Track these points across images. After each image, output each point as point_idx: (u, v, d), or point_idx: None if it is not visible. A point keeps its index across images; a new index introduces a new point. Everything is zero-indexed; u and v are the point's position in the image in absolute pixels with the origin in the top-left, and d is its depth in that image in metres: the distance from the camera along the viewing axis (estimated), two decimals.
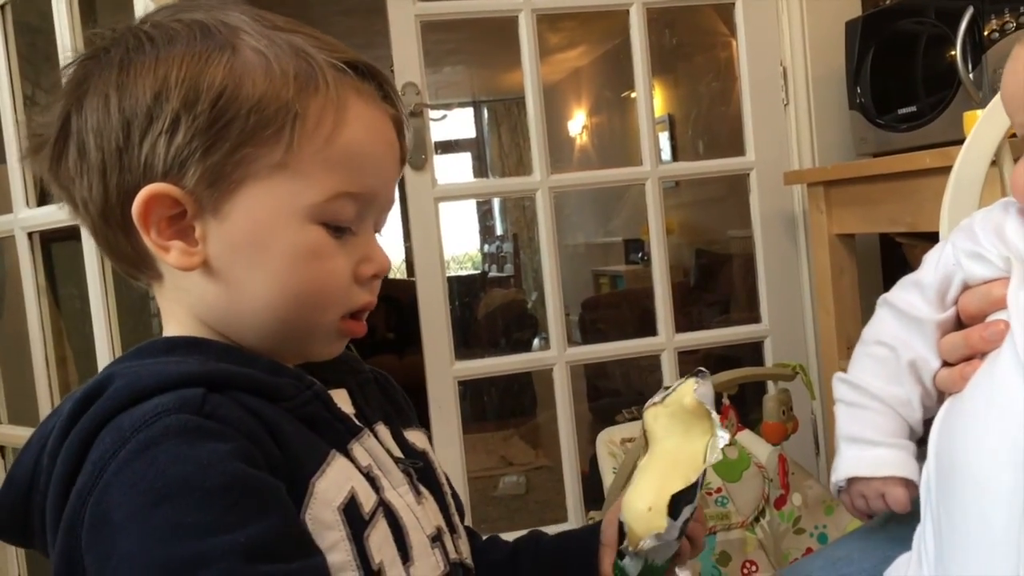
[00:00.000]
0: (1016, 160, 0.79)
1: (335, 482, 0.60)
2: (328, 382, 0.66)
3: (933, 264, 0.82)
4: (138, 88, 0.60)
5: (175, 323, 0.66)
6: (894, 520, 0.85)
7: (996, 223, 0.78)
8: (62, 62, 1.66)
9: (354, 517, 0.60)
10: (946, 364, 0.79)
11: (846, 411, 0.84)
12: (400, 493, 0.66)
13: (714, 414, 0.71)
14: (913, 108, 1.75)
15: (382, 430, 0.69)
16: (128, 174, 0.60)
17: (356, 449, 0.64)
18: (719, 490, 1.60)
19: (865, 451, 0.81)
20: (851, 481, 0.82)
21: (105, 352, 1.75)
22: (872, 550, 0.86)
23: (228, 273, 0.62)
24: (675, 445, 0.73)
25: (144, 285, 0.68)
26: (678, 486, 0.69)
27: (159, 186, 0.59)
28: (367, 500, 0.62)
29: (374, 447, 0.66)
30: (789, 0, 2.07)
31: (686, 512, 0.70)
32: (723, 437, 0.70)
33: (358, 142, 0.63)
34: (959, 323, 0.80)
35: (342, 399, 0.68)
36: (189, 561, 0.50)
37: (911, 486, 0.79)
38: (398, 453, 0.69)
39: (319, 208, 0.62)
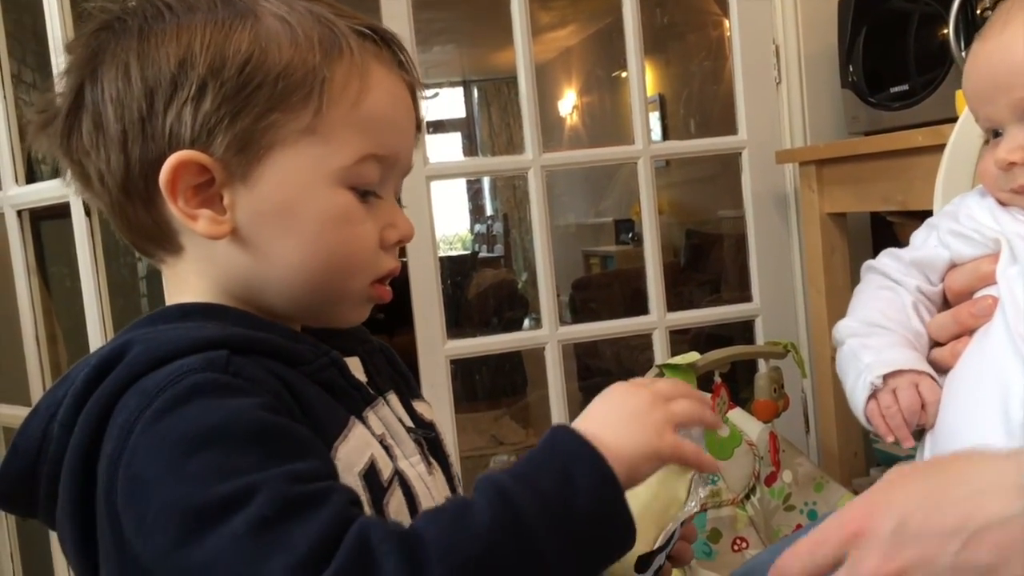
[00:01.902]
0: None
1: (356, 448, 0.60)
2: (341, 350, 0.66)
3: (920, 242, 0.84)
4: (160, 56, 0.60)
5: (190, 294, 0.65)
6: None
7: (977, 206, 0.80)
8: (50, 40, 1.65)
9: (374, 484, 0.60)
10: (936, 344, 0.80)
11: (861, 340, 0.82)
12: (412, 463, 0.66)
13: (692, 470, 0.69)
14: (905, 87, 1.75)
15: (393, 399, 0.70)
16: (152, 143, 0.60)
17: (371, 417, 0.65)
18: None
19: (893, 352, 0.79)
20: (887, 377, 0.79)
21: (96, 331, 1.74)
22: None
23: (257, 240, 0.62)
24: (650, 494, 0.71)
25: (157, 262, 0.67)
26: (652, 535, 0.69)
27: (187, 153, 0.59)
28: (385, 468, 0.62)
29: (387, 416, 0.67)
30: None
31: (657, 562, 0.69)
32: (702, 493, 0.69)
33: (382, 106, 0.64)
34: (946, 305, 0.81)
35: (355, 367, 0.68)
36: (238, 493, 0.49)
37: (938, 390, 0.77)
38: (409, 423, 0.70)
39: (347, 172, 0.62)
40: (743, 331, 2.21)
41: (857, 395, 0.80)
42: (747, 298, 2.15)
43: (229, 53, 0.59)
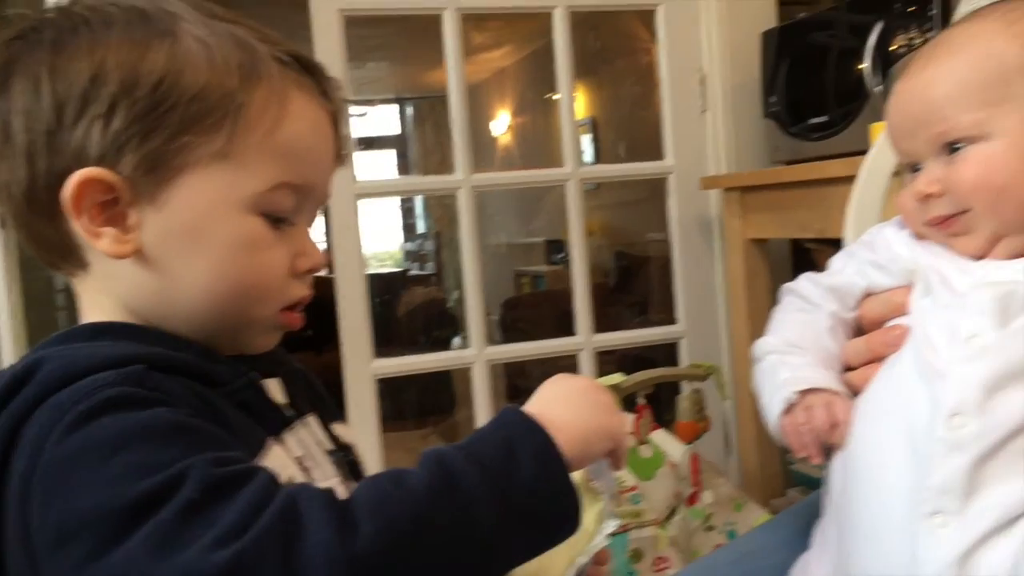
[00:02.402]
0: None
1: (273, 470, 0.58)
2: (260, 372, 0.66)
3: (837, 268, 0.86)
4: (72, 70, 0.58)
5: (98, 311, 0.64)
6: (802, 516, 0.88)
7: (894, 237, 0.82)
8: None
9: None
10: (848, 369, 0.82)
11: (779, 357, 0.83)
12: (331, 485, 0.65)
13: (606, 497, 0.69)
14: (824, 118, 1.81)
15: (313, 421, 0.69)
16: (59, 157, 0.59)
17: (289, 439, 0.64)
18: (633, 488, 1.62)
19: (810, 372, 0.80)
20: (802, 394, 0.80)
21: (9, 346, 1.69)
22: (780, 544, 0.89)
23: (163, 262, 0.61)
24: None
25: (65, 276, 0.66)
26: (561, 569, 0.69)
27: (93, 171, 0.58)
28: None
29: (306, 438, 0.66)
30: (708, 8, 2.11)
31: None
32: (611, 524, 0.69)
33: (299, 135, 0.63)
34: (860, 332, 0.83)
35: (275, 389, 0.67)
36: (163, 485, 0.48)
37: (851, 410, 0.78)
38: (329, 445, 0.69)
39: (259, 198, 0.61)
40: (668, 353, 2.24)
41: (772, 409, 0.82)
42: (672, 320, 2.19)
43: (143, 72, 0.58)
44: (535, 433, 0.56)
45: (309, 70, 0.65)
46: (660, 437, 1.67)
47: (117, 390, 0.53)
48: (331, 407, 0.76)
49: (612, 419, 0.61)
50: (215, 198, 0.60)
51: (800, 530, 0.87)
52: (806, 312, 0.85)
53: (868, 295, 0.83)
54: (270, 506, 0.48)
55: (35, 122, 0.59)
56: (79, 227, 0.59)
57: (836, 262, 0.88)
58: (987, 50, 0.74)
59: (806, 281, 0.87)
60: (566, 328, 2.14)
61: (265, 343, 0.67)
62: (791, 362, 0.82)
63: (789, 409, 0.79)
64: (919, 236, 0.80)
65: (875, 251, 0.84)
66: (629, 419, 1.59)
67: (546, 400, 0.62)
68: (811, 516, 0.84)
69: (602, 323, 2.13)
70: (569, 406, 0.60)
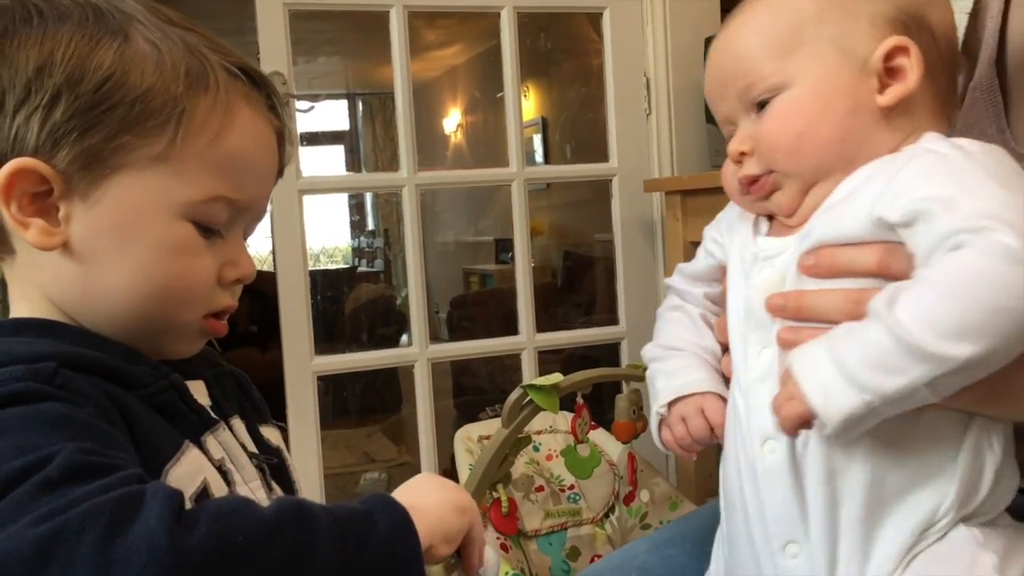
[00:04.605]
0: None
1: (188, 472, 0.59)
2: (185, 373, 0.66)
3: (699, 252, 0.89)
4: (19, 59, 0.58)
5: (25, 304, 0.63)
6: (714, 517, 0.90)
7: (726, 214, 0.85)
8: None
9: None
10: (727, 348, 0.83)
11: (659, 363, 0.86)
12: (252, 488, 0.66)
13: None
14: None
15: (237, 424, 0.69)
16: None
17: (210, 442, 0.64)
18: (571, 487, 1.64)
19: (681, 378, 0.83)
20: (671, 405, 0.83)
21: None
22: (693, 534, 0.91)
23: (89, 257, 0.61)
24: None
25: None
26: None
27: (27, 160, 0.58)
28: (219, 492, 0.62)
29: (228, 440, 0.66)
30: (654, 13, 2.14)
31: None
32: None
33: (242, 148, 0.63)
34: None
35: (199, 391, 0.67)
36: (31, 463, 0.48)
37: (725, 405, 0.80)
38: (253, 448, 0.69)
39: (193, 207, 0.62)
40: (611, 353, 2.27)
41: (652, 423, 0.84)
42: (615, 321, 2.21)
43: (90, 68, 0.58)
44: (394, 509, 0.58)
45: (259, 84, 0.66)
46: (599, 436, 1.69)
47: (23, 385, 0.53)
48: (262, 410, 0.76)
49: (463, 495, 0.65)
50: (148, 201, 0.60)
51: (710, 525, 0.88)
52: (677, 309, 0.88)
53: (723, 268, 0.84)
54: (113, 492, 0.48)
55: None
56: (7, 215, 0.59)
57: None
58: (784, 4, 0.75)
59: (676, 272, 0.90)
60: (511, 327, 2.15)
61: (187, 349, 0.67)
62: (667, 368, 0.84)
63: (664, 421, 0.82)
64: (741, 207, 0.81)
65: (718, 226, 0.86)
66: (567, 418, 1.61)
67: (411, 491, 0.65)
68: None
69: (549, 322, 2.15)
70: (426, 492, 0.64)
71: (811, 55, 0.72)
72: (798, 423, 0.64)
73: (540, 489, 1.61)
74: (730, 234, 0.82)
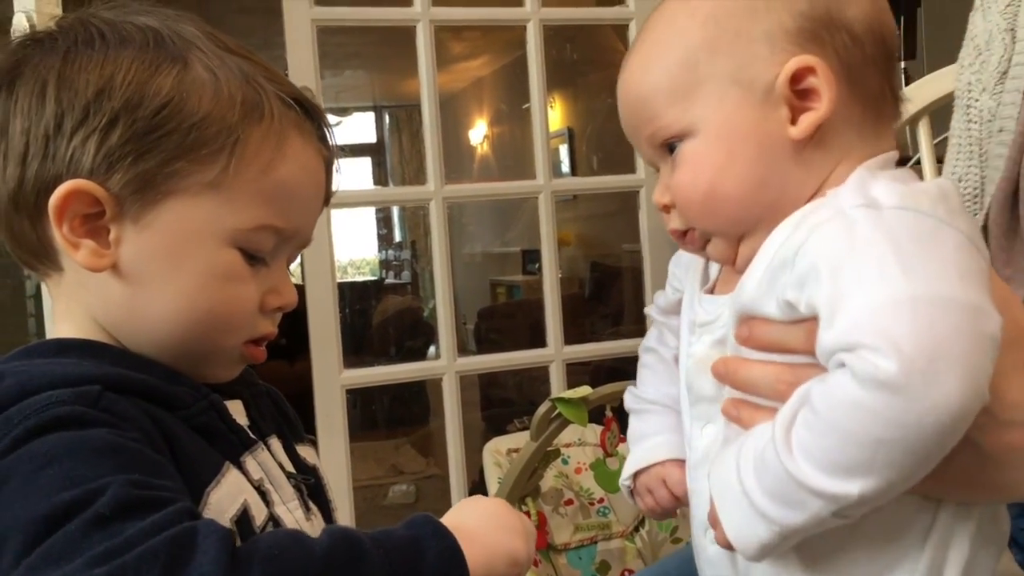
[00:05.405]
0: None
1: (228, 494, 0.60)
2: (223, 393, 0.66)
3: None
4: (80, 81, 0.59)
5: (69, 322, 0.64)
6: None
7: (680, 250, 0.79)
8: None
9: (246, 530, 0.60)
10: None
11: (633, 418, 0.84)
12: (290, 508, 0.66)
13: None
14: None
15: (275, 444, 0.69)
16: (51, 164, 0.59)
17: (249, 462, 0.64)
18: (601, 500, 1.63)
19: (645, 443, 0.81)
20: (635, 478, 0.81)
21: None
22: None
23: (136, 280, 0.61)
24: None
25: (39, 277, 0.66)
26: None
27: (83, 182, 0.59)
28: (259, 514, 0.62)
29: (267, 461, 0.66)
30: None
31: None
32: None
33: (292, 178, 0.64)
34: None
35: (237, 411, 0.67)
36: (81, 497, 0.48)
37: (682, 477, 0.76)
38: (290, 468, 0.69)
39: (242, 235, 0.62)
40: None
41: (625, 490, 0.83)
42: (642, 332, 2.19)
43: (149, 93, 0.59)
44: (444, 537, 0.56)
45: (311, 114, 0.66)
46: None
47: (68, 408, 0.53)
48: (297, 429, 0.76)
49: (519, 544, 0.61)
50: (198, 227, 0.61)
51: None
52: (653, 351, 0.85)
53: None
54: (168, 531, 0.48)
55: (34, 126, 0.60)
56: (59, 235, 0.60)
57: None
58: (671, 33, 0.66)
59: (653, 305, 0.87)
60: (538, 339, 2.15)
61: (225, 374, 0.67)
62: (636, 430, 0.83)
63: (633, 492, 0.82)
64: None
65: (678, 261, 0.81)
66: (596, 430, 1.60)
67: (460, 516, 0.62)
68: None
69: (575, 333, 2.15)
70: (480, 524, 0.60)
71: (709, 95, 0.64)
72: (726, 545, 0.60)
73: (569, 503, 1.61)
74: (686, 273, 0.77)
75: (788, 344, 0.60)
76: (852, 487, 0.53)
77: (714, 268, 0.73)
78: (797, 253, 0.58)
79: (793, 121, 0.62)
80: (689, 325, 0.72)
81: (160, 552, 0.47)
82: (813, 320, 0.56)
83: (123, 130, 0.59)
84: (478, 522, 0.61)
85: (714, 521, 0.61)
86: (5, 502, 0.50)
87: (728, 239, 0.66)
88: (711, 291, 0.73)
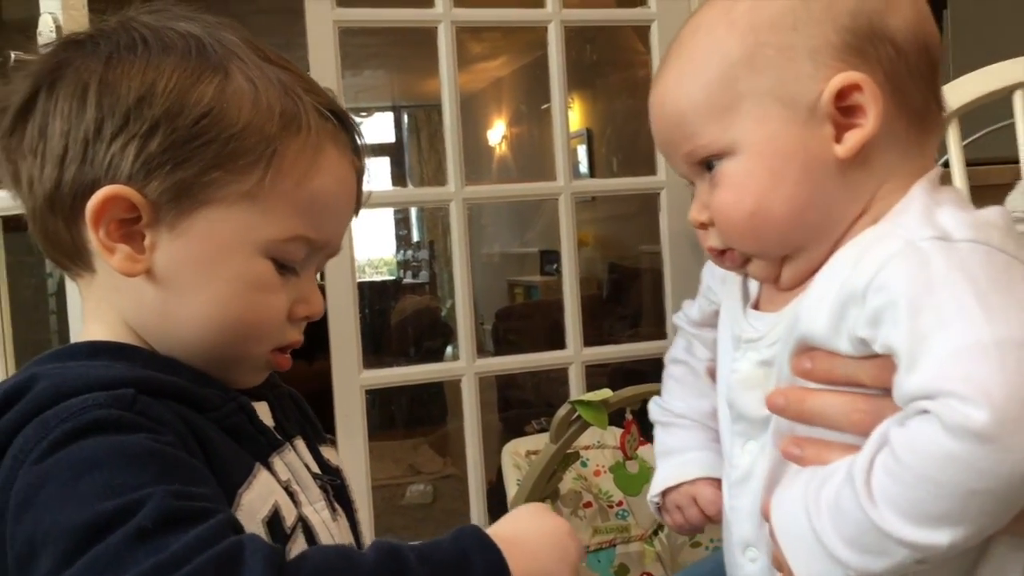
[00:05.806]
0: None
1: (260, 496, 0.60)
2: (249, 395, 0.67)
3: (701, 292, 0.84)
4: (122, 87, 0.60)
5: (99, 322, 0.65)
6: None
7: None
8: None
9: (277, 531, 0.60)
10: None
11: (660, 431, 0.83)
12: (316, 509, 0.66)
13: None
14: None
15: (300, 445, 0.70)
16: (90, 168, 0.60)
17: (277, 463, 0.65)
18: (620, 503, 1.62)
19: (675, 459, 0.80)
20: (665, 495, 0.80)
21: None
22: None
23: (169, 286, 0.62)
24: None
25: (73, 276, 0.67)
26: None
27: (121, 188, 0.59)
28: (289, 515, 0.62)
29: (293, 461, 0.67)
30: None
31: None
32: None
33: (326, 191, 0.64)
34: None
35: (263, 412, 0.68)
36: (123, 508, 0.48)
37: (719, 487, 0.75)
38: (316, 469, 0.70)
39: (275, 245, 0.63)
40: (657, 367, 2.24)
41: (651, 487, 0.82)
42: (662, 335, 2.19)
43: (190, 102, 0.60)
44: (490, 551, 0.55)
45: (346, 125, 0.67)
46: (648, 452, 1.67)
47: (105, 412, 0.53)
48: (319, 430, 0.76)
49: (570, 572, 0.60)
50: (232, 236, 0.61)
51: None
52: (683, 363, 0.84)
53: None
54: (214, 547, 0.48)
55: (74, 129, 0.60)
56: (95, 239, 0.60)
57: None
58: (710, 46, 0.64)
59: (683, 312, 0.85)
60: (558, 339, 2.14)
61: (251, 380, 0.68)
62: (665, 444, 0.81)
63: (662, 509, 0.81)
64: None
65: (712, 273, 0.79)
66: (615, 433, 1.59)
67: (513, 527, 0.60)
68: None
69: (594, 335, 2.13)
70: (531, 541, 0.59)
71: (750, 112, 0.62)
72: None
73: (588, 505, 1.60)
74: (723, 285, 0.75)
75: (859, 379, 0.59)
76: (942, 537, 0.51)
77: (753, 283, 0.72)
78: (868, 287, 0.56)
79: (838, 139, 0.61)
80: (733, 341, 0.70)
81: (208, 570, 0.47)
82: (882, 360, 0.55)
83: (163, 138, 0.59)
84: (538, 543, 0.59)
85: (779, 564, 0.59)
86: (42, 506, 0.50)
87: (771, 260, 0.65)
88: (755, 306, 0.71)
